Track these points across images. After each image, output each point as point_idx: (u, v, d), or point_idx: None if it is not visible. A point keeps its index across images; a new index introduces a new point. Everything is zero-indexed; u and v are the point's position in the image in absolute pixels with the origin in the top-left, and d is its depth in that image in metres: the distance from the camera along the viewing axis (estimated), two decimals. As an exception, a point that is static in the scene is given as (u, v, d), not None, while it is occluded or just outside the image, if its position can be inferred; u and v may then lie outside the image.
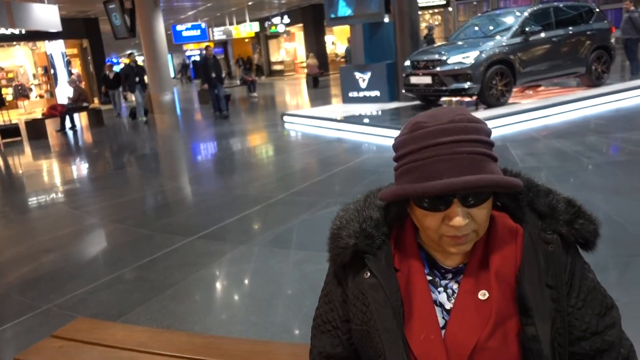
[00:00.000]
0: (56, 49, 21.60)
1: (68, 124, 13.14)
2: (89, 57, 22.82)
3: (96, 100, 20.56)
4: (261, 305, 3.08)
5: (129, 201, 5.89)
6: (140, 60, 18.57)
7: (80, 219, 5.34)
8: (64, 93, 18.48)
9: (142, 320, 3.02)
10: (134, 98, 14.63)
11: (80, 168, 8.64)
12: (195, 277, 3.57)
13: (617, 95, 9.00)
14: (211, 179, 6.96)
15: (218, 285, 3.51)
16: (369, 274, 0.96)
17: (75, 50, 24.28)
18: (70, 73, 21.35)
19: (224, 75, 14.37)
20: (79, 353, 1.57)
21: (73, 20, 20.25)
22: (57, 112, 13.12)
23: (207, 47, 13.33)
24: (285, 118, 10.97)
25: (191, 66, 36.12)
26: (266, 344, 1.60)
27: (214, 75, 12.51)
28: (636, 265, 3.05)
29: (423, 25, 18.40)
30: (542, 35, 8.90)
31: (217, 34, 28.63)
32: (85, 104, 14.32)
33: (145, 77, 14.96)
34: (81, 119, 15.67)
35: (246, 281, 3.48)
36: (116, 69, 18.03)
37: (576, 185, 4.75)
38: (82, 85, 18.85)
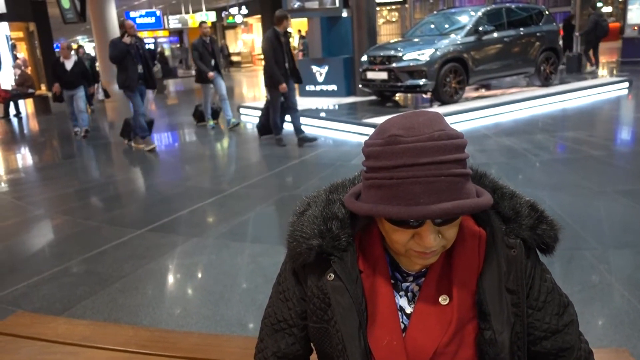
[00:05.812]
0: (0, 31, 20.54)
1: (12, 110, 12.55)
2: (36, 42, 21.79)
3: (43, 87, 19.62)
4: (213, 299, 3.03)
5: (77, 192, 5.68)
6: (90, 47, 16.86)
7: (24, 210, 5.11)
8: (8, 78, 17.45)
9: (87, 314, 2.93)
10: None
11: (26, 157, 8.27)
12: (145, 269, 3.49)
13: (564, 95, 9.37)
14: (164, 170, 6.80)
15: (169, 278, 3.44)
16: (333, 276, 0.93)
17: (21, 34, 23.12)
18: (15, 57, 20.33)
19: (156, 68, 10.63)
20: (16, 348, 1.50)
21: (19, 1, 19.25)
22: (1, 98, 12.51)
23: (124, 21, 8.26)
24: (242, 110, 10.84)
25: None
26: (216, 337, 1.57)
27: (140, 69, 7.50)
28: (578, 258, 3.18)
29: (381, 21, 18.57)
30: (495, 35, 9.15)
31: (173, 22, 28.02)
32: (30, 90, 13.71)
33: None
34: (27, 105, 14.99)
35: (199, 274, 3.42)
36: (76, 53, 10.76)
37: (524, 181, 4.91)
38: (28, 70, 18.04)
